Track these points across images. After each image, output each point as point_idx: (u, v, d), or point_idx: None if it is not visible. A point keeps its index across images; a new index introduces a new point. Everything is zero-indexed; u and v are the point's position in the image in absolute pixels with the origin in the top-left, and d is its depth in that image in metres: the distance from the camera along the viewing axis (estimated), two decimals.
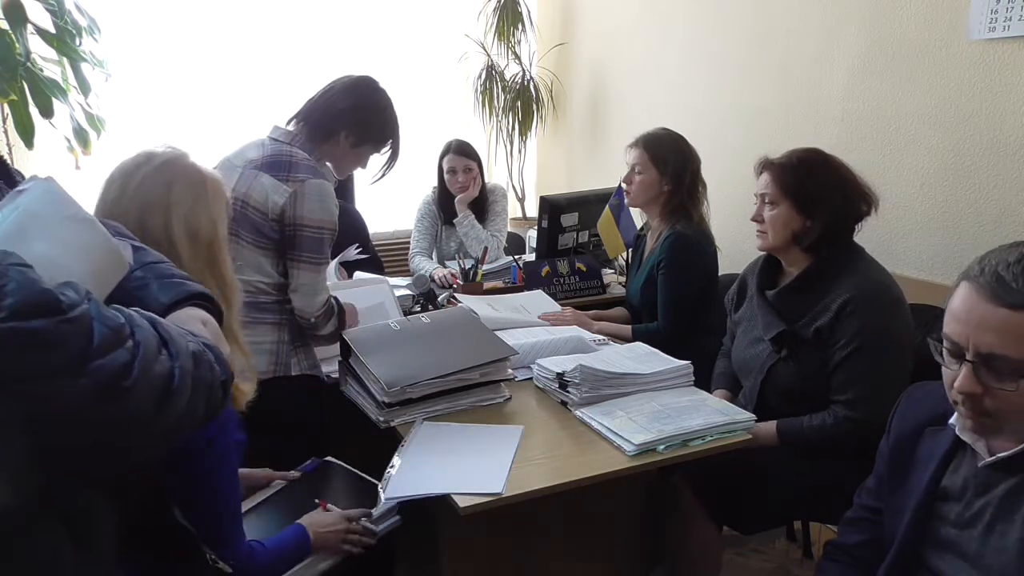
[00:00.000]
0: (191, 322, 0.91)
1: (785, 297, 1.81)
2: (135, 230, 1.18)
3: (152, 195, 1.23)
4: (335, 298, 1.91)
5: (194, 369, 0.80)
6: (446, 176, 3.08)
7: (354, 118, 1.92)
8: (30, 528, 0.74)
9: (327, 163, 1.95)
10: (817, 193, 1.74)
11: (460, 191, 3.04)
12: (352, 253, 2.56)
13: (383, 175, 2.06)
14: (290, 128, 1.92)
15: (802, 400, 1.75)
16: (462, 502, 1.32)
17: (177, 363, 0.78)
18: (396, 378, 1.64)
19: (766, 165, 1.83)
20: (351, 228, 2.88)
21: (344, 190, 3.07)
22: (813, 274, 1.76)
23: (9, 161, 1.00)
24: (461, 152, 3.04)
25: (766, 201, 1.80)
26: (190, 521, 1.16)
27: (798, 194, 1.75)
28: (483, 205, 3.12)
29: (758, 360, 1.83)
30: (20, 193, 0.84)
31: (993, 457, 1.09)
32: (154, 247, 1.15)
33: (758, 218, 1.82)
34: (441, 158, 3.09)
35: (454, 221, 3.08)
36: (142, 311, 0.81)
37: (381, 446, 1.57)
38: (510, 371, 1.82)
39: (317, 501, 1.48)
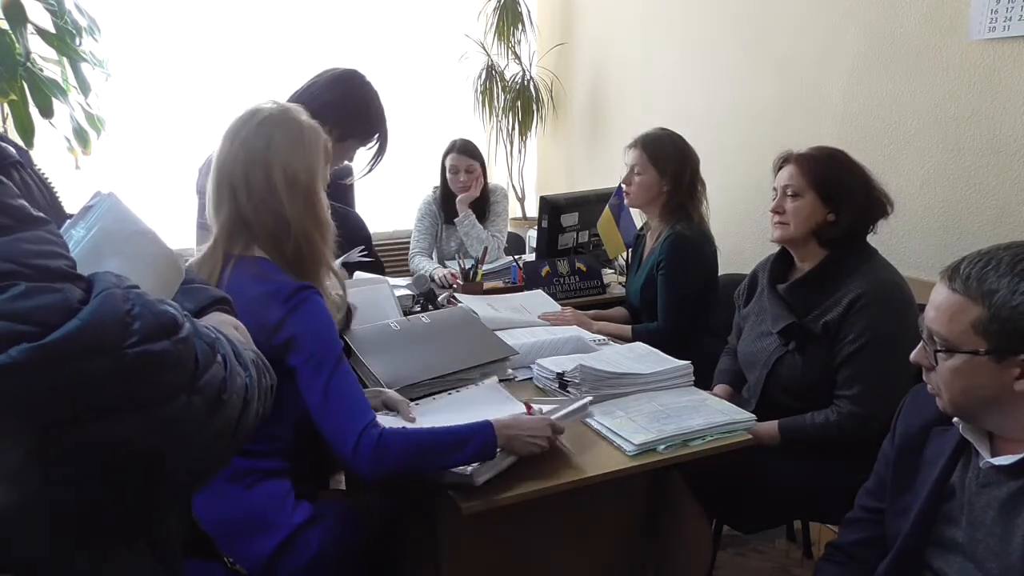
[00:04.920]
0: (225, 328, 0.90)
1: (796, 291, 1.82)
2: (241, 180, 1.38)
3: (254, 149, 1.38)
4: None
5: (258, 378, 0.82)
6: (448, 175, 3.08)
7: (338, 112, 1.91)
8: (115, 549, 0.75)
9: None
10: (842, 187, 1.75)
11: (462, 191, 3.04)
12: (355, 255, 2.56)
13: (370, 169, 2.06)
14: None
15: (805, 395, 1.76)
16: (462, 502, 1.32)
17: (248, 373, 0.80)
18: (396, 378, 1.64)
19: (789, 158, 1.83)
20: (354, 233, 2.87)
21: (344, 194, 3.07)
22: (825, 270, 1.77)
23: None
24: (464, 152, 3.04)
25: (788, 193, 1.80)
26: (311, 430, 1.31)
27: (824, 186, 1.76)
28: (484, 205, 3.12)
29: (764, 353, 1.84)
30: (88, 210, 0.86)
31: (995, 460, 1.09)
32: (258, 196, 1.37)
33: (779, 209, 1.81)
34: (444, 156, 3.09)
35: (455, 221, 3.08)
36: (211, 326, 0.81)
37: None
38: (510, 371, 1.82)
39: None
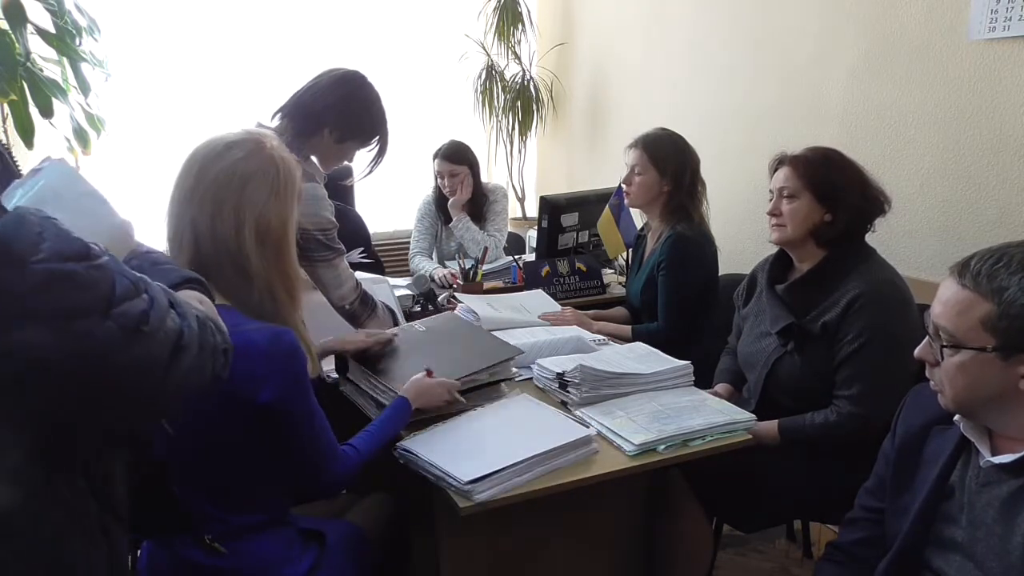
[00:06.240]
0: (190, 300, 0.97)
1: (795, 291, 1.82)
2: (207, 229, 1.24)
3: (226, 194, 1.24)
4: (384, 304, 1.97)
5: (200, 331, 0.88)
6: (436, 180, 3.10)
7: (339, 114, 1.90)
8: (55, 481, 0.80)
9: (312, 158, 1.94)
10: (838, 187, 1.75)
11: (450, 195, 3.05)
12: (355, 256, 2.56)
13: (370, 171, 2.05)
14: (275, 124, 1.91)
15: (805, 395, 1.76)
16: (462, 503, 1.32)
17: (185, 323, 0.86)
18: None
19: (784, 160, 1.83)
20: (353, 232, 2.88)
21: (344, 193, 3.07)
22: (824, 270, 1.77)
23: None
24: (446, 157, 3.04)
25: (784, 195, 1.80)
26: (290, 467, 1.29)
27: (820, 186, 1.76)
28: (481, 206, 3.12)
29: (763, 354, 1.84)
30: (37, 172, 0.91)
31: (995, 458, 1.09)
32: (223, 246, 1.24)
33: (775, 212, 1.81)
34: (432, 161, 3.10)
35: (450, 225, 3.08)
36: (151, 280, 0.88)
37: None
38: (514, 369, 1.82)
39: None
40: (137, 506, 0.96)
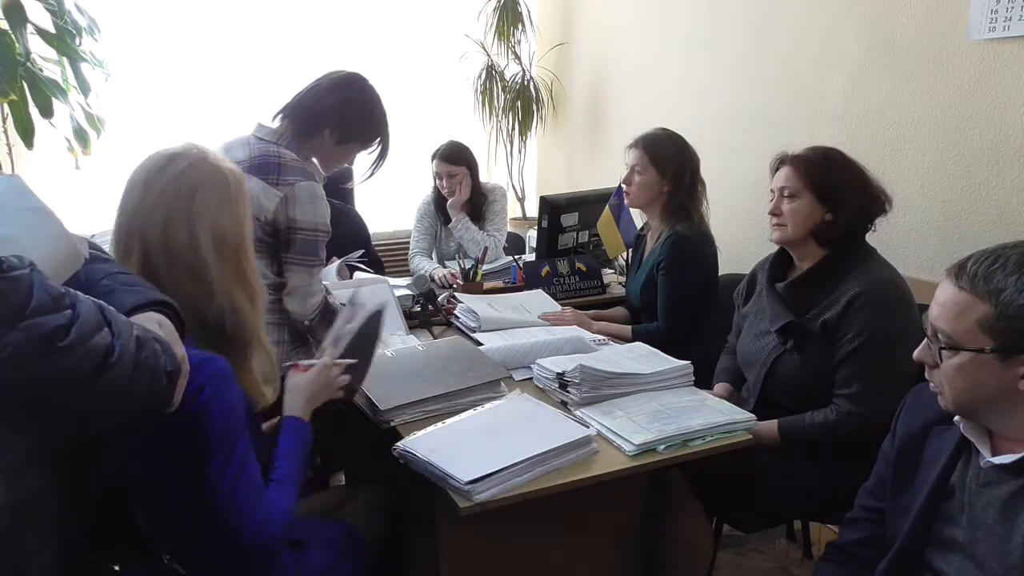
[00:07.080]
0: (147, 322, 0.98)
1: (795, 289, 1.82)
2: (158, 240, 1.20)
3: (176, 204, 1.21)
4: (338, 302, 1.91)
5: (136, 351, 0.87)
6: (435, 181, 3.10)
7: (339, 115, 1.90)
8: None
9: (313, 159, 1.94)
10: (839, 186, 1.75)
11: (448, 196, 3.05)
12: (355, 258, 2.56)
13: (372, 173, 2.05)
14: (275, 125, 1.91)
15: (804, 394, 1.76)
16: (462, 503, 1.32)
17: (118, 341, 0.85)
18: (390, 399, 1.64)
19: (785, 159, 1.83)
20: (353, 232, 2.88)
21: (344, 192, 3.07)
22: (824, 268, 1.77)
23: (10, 161, 1.06)
24: (443, 158, 3.04)
25: (785, 195, 1.80)
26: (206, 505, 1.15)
27: (820, 186, 1.76)
28: (480, 206, 3.12)
29: (763, 352, 1.84)
30: None
31: (995, 459, 1.09)
32: (178, 258, 1.20)
33: (776, 211, 1.82)
34: (431, 162, 3.10)
35: (449, 225, 3.08)
36: (91, 297, 0.88)
37: (381, 444, 1.57)
38: (503, 386, 1.81)
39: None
40: (97, 534, 0.96)
